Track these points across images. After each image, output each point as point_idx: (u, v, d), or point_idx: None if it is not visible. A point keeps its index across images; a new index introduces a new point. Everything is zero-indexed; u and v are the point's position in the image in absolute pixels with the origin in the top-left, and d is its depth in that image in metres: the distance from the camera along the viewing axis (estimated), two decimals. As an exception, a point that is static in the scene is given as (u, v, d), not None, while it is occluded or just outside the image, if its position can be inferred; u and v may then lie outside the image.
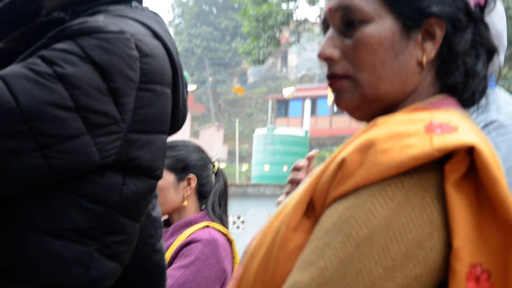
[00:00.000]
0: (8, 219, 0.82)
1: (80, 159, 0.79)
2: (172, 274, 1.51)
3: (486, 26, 0.72)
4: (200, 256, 1.55)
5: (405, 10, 0.67)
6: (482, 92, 0.71)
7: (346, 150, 0.60)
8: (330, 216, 0.58)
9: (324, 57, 0.68)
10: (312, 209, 0.62)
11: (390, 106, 0.68)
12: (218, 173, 1.74)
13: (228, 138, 22.99)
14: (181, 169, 1.65)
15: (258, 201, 10.19)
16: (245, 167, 16.93)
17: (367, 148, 0.58)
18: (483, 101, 0.72)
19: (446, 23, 0.68)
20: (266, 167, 13.07)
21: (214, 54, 28.42)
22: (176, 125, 0.99)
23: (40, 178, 0.77)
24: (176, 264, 1.56)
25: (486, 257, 0.56)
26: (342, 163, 0.58)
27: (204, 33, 28.95)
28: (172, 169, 1.64)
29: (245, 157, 19.54)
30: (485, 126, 1.07)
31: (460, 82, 0.69)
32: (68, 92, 0.78)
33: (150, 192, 0.93)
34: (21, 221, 0.82)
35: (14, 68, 0.78)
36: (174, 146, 1.69)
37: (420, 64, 0.68)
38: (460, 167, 0.56)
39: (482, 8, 0.72)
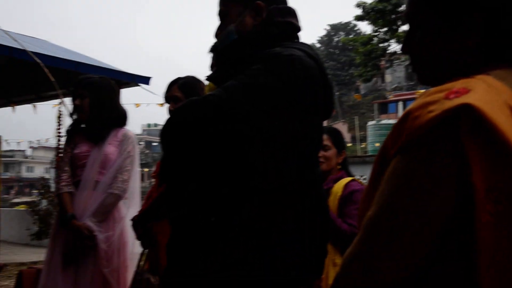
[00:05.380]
0: None
1: None
2: None
3: None
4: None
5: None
6: None
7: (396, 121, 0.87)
8: (387, 171, 0.88)
9: (404, 51, 1.07)
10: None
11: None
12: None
13: (350, 129, 38.22)
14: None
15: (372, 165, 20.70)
16: (363, 145, 28.98)
17: (404, 117, 0.85)
18: None
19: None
20: (377, 144, 20.74)
21: (338, 78, 46.51)
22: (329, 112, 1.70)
23: None
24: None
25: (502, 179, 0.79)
26: (392, 128, 0.89)
27: (331, 66, 47.59)
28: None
29: (361, 140, 33.97)
30: None
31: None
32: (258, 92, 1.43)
33: None
34: None
35: (230, 82, 1.48)
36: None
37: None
38: (469, 121, 0.79)
39: None
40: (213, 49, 1.70)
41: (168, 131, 1.55)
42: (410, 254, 0.84)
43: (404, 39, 1.08)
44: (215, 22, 1.74)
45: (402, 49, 1.09)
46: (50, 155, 50.40)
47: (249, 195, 1.46)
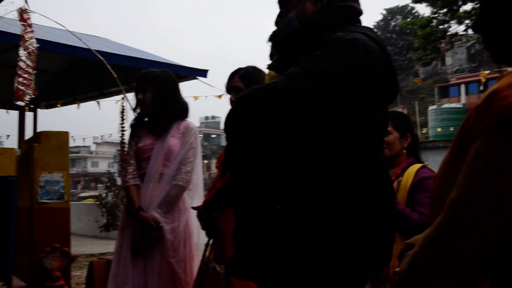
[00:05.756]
0: None
1: None
2: None
3: None
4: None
5: None
6: None
7: (480, 99, 0.86)
8: (470, 153, 0.85)
9: (475, 30, 1.04)
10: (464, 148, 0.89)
11: None
12: None
13: (410, 114, 36.03)
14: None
15: (434, 151, 15.75)
16: (424, 130, 27.41)
17: (490, 97, 0.84)
18: None
19: None
20: (439, 129, 21.89)
21: (396, 63, 46.17)
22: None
23: None
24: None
25: None
26: (475, 108, 0.87)
27: (388, 51, 47.95)
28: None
29: (422, 125, 33.75)
30: None
31: None
32: (319, 78, 1.42)
33: None
34: None
35: (292, 69, 1.47)
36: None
37: None
38: None
39: None
40: (273, 38, 1.70)
41: (231, 121, 1.56)
42: (495, 238, 0.81)
43: (475, 18, 1.03)
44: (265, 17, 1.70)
45: (473, 27, 1.04)
46: (113, 150, 52.03)
47: (308, 181, 1.47)
